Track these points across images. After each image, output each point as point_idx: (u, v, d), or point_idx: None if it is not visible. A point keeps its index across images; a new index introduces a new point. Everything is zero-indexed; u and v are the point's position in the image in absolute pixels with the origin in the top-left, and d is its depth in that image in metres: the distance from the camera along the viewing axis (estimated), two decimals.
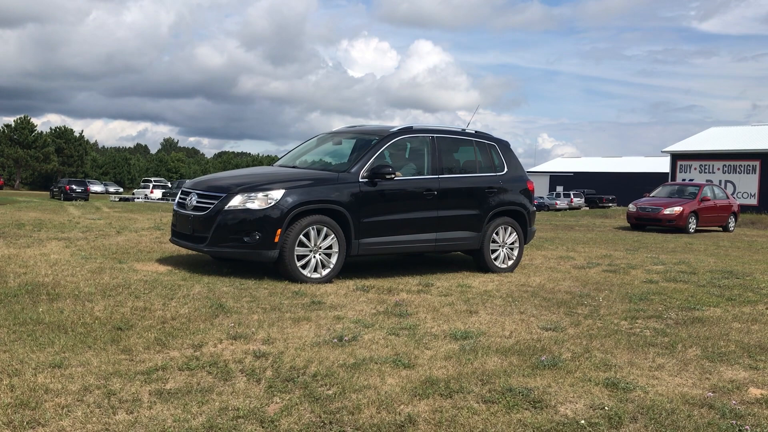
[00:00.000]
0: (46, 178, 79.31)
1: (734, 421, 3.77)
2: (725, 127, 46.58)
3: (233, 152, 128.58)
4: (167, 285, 6.80)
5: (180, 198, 8.21)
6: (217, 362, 4.45)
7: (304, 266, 7.50)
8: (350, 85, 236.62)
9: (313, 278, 7.50)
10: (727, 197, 23.29)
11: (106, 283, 6.81)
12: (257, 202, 7.37)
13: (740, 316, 6.64)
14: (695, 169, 39.86)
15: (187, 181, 8.87)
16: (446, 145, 8.91)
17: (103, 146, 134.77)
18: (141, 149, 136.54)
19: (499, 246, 9.19)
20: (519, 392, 4.10)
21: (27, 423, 3.34)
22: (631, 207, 21.85)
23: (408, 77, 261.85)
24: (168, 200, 39.76)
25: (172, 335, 5.01)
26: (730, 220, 22.29)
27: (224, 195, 7.50)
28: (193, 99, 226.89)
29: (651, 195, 22.78)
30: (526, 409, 3.86)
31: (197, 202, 7.76)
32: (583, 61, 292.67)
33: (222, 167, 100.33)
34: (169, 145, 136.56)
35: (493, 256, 9.12)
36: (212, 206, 7.51)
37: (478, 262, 9.16)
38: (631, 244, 15.09)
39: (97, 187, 66.48)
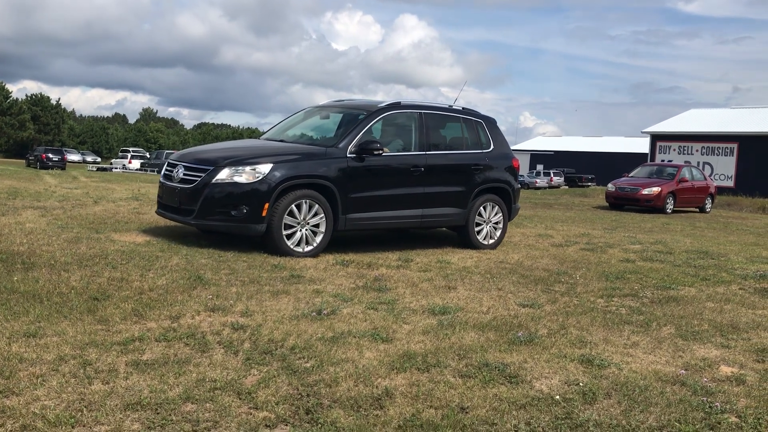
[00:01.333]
0: (21, 146, 77.87)
1: (705, 398, 3.84)
2: (705, 109, 46.98)
3: (213, 123, 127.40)
4: (145, 256, 6.75)
5: (166, 170, 8.13)
6: (194, 334, 4.44)
7: (291, 240, 7.48)
8: (334, 58, 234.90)
9: (299, 252, 7.48)
10: (705, 179, 23.56)
11: (83, 253, 6.73)
12: (245, 175, 7.33)
13: (714, 296, 6.74)
14: (674, 150, 40.21)
15: (174, 153, 8.93)
16: (434, 121, 8.89)
17: (81, 115, 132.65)
18: (119, 119, 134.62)
19: (484, 222, 9.24)
20: (495, 367, 4.14)
21: (1, 392, 3.31)
22: (610, 187, 22.03)
23: (392, 52, 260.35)
24: (146, 171, 39.35)
25: (149, 306, 4.98)
26: (707, 202, 22.56)
27: (212, 168, 7.43)
28: (174, 68, 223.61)
29: (630, 175, 22.96)
30: (502, 384, 3.90)
31: (184, 174, 7.68)
32: (567, 40, 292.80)
33: (202, 139, 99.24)
34: (148, 115, 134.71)
35: (477, 232, 9.16)
36: (199, 179, 7.46)
37: (463, 238, 9.19)
38: (609, 223, 15.23)
39: (74, 156, 65.56)
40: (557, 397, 3.75)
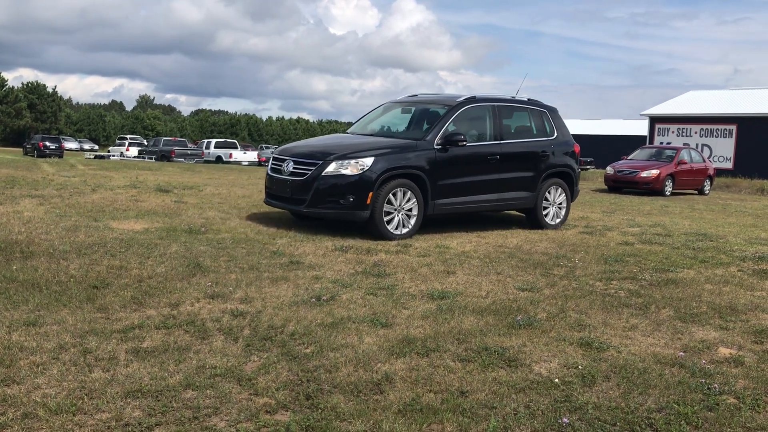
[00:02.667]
0: (18, 134, 77.57)
1: (703, 380, 3.86)
2: (704, 90, 46.81)
3: (210, 110, 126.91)
4: (143, 244, 6.74)
5: (274, 164, 8.92)
6: (194, 321, 4.44)
7: (390, 225, 8.25)
8: (331, 42, 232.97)
9: (397, 234, 8.28)
10: (704, 161, 23.51)
11: (81, 241, 6.73)
12: (350, 168, 8.12)
13: (712, 278, 6.75)
14: (673, 132, 40.13)
15: (277, 148, 9.97)
16: (505, 112, 9.74)
17: (78, 102, 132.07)
18: (116, 106, 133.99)
19: (550, 204, 10.07)
20: (494, 351, 4.15)
21: (2, 381, 3.32)
22: (609, 170, 21.98)
23: (390, 36, 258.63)
24: (144, 158, 39.25)
25: (148, 294, 4.99)
26: (705, 184, 22.53)
27: (321, 162, 8.20)
28: (170, 55, 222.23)
29: (629, 158, 22.91)
30: (501, 368, 3.91)
31: (294, 168, 8.44)
32: (566, 23, 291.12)
33: (199, 125, 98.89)
34: (145, 102, 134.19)
35: (545, 214, 10.00)
36: (310, 172, 8.22)
37: (531, 219, 10.04)
38: (608, 206, 15.22)
39: (71, 144, 65.27)
40: (556, 380, 3.76)
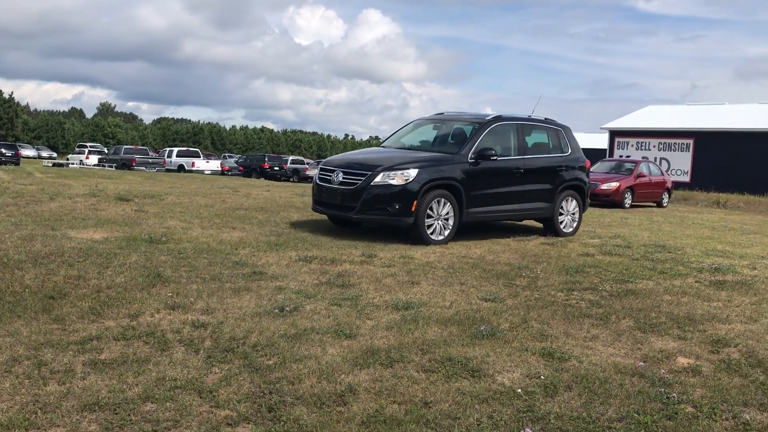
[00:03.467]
0: None
1: (663, 389, 3.92)
2: (662, 105, 47.87)
3: (173, 118, 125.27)
4: (103, 253, 6.61)
5: (323, 174, 9.67)
6: (154, 332, 4.36)
7: (430, 231, 9.00)
8: (297, 52, 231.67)
9: (436, 240, 9.05)
10: (662, 174, 24.01)
11: (38, 250, 6.57)
12: (397, 179, 8.89)
13: (671, 289, 6.88)
14: (632, 145, 40.94)
15: (324, 159, 10.96)
16: (526, 130, 10.74)
17: (36, 109, 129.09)
18: (76, 113, 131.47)
19: (565, 214, 10.98)
20: (458, 361, 4.16)
21: None
22: None
23: (356, 47, 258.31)
24: (104, 166, 38.57)
25: (107, 304, 4.89)
26: (664, 196, 23.01)
27: (370, 173, 8.97)
28: (133, 62, 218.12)
29: (589, 170, 23.29)
30: (464, 378, 3.92)
31: (344, 178, 9.20)
32: (529, 38, 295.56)
33: (161, 134, 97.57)
34: (105, 109, 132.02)
35: (560, 222, 10.90)
36: (360, 182, 8.99)
37: (548, 228, 10.92)
38: None
39: (28, 152, 63.84)
40: (519, 390, 3.78)
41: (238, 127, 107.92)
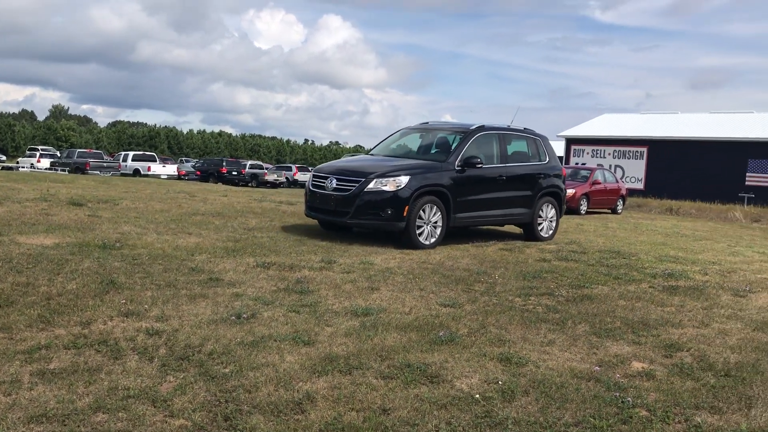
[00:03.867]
0: None
1: (617, 393, 3.97)
2: (617, 114, 48.87)
3: (128, 122, 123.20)
4: (53, 259, 6.43)
5: (316, 181, 10.02)
6: (106, 340, 4.26)
7: (420, 235, 9.37)
8: (256, 56, 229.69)
9: (426, 244, 9.43)
10: (617, 181, 24.48)
11: None
12: (389, 185, 9.25)
13: (625, 294, 7.00)
14: (588, 153, 41.67)
15: (317, 166, 11.00)
16: (508, 139, 11.13)
17: None
18: (27, 115, 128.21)
19: (543, 220, 11.46)
20: (417, 367, 4.15)
21: None
22: None
23: (317, 52, 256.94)
24: (56, 170, 37.64)
25: (57, 312, 4.75)
26: (618, 203, 23.45)
27: (363, 180, 9.32)
28: (88, 64, 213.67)
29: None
30: (423, 384, 3.91)
31: (337, 184, 9.55)
32: (488, 46, 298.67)
33: (116, 137, 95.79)
34: (58, 112, 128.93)
35: (539, 228, 11.35)
36: (353, 188, 9.35)
37: (528, 232, 11.40)
38: None
39: None
40: (477, 395, 3.79)
41: (195, 131, 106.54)
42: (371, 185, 9.28)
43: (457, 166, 9.90)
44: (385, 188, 9.25)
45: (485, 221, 10.83)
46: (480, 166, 10.06)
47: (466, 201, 10.03)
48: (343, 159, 11.96)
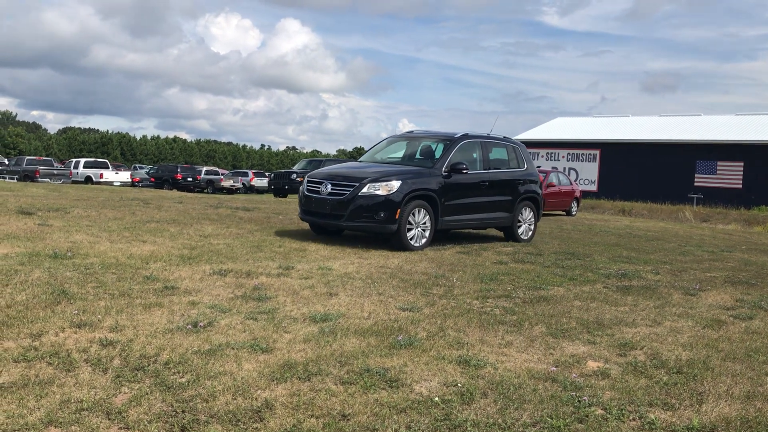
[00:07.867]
0: None
1: (574, 393, 4.04)
2: (570, 117, 49.73)
3: (80, 128, 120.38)
4: (2, 270, 6.25)
5: (311, 186, 10.43)
6: (58, 352, 4.15)
7: (410, 238, 9.89)
8: (214, 61, 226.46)
9: (416, 246, 9.94)
10: (571, 183, 24.91)
11: None
12: (382, 189, 9.74)
13: (580, 295, 7.12)
14: (542, 156, 42.30)
15: (311, 172, 11.43)
16: (489, 147, 11.79)
17: None
18: None
19: (523, 223, 12.17)
20: (376, 372, 4.15)
21: None
22: None
23: (275, 56, 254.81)
24: (5, 178, 36.61)
25: (6, 324, 4.61)
26: (572, 205, 23.86)
27: (357, 184, 9.80)
28: (37, 69, 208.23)
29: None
30: (383, 389, 3.91)
31: (332, 189, 10.01)
32: (444, 51, 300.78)
33: (67, 144, 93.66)
34: (6, 118, 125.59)
35: (518, 230, 12.05)
36: (348, 192, 9.80)
37: (508, 235, 12.15)
38: None
39: None
40: (436, 398, 3.81)
41: (149, 137, 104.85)
42: (365, 189, 9.75)
43: (444, 172, 10.45)
44: (378, 192, 9.72)
45: (469, 224, 11.37)
46: (465, 172, 10.58)
47: (453, 205, 10.58)
48: (334, 165, 12.56)
